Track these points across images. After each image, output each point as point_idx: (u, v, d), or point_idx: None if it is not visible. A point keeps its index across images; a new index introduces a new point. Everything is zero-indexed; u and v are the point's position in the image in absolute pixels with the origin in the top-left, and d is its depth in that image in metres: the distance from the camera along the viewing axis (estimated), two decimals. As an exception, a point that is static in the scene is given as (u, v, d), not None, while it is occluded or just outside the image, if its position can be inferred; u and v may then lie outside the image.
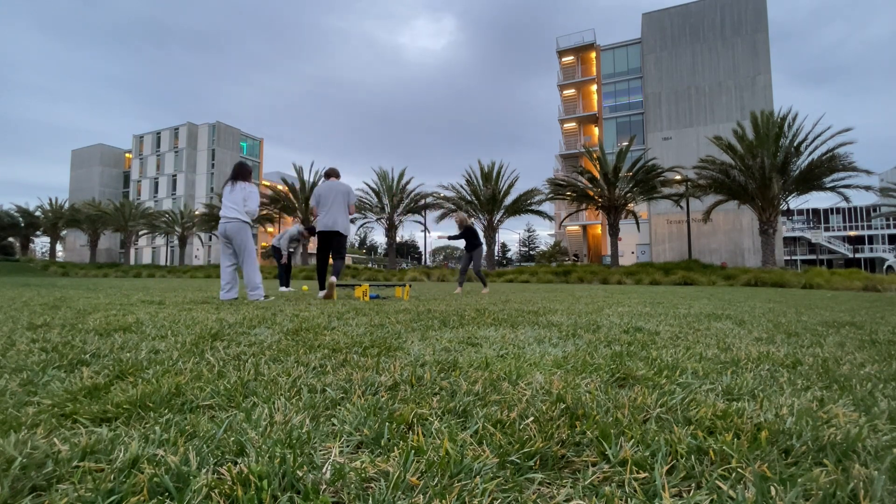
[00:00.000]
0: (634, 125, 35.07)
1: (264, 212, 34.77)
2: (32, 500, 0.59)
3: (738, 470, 0.67)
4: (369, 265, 45.58)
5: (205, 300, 4.39)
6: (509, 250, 78.06)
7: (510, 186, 27.56)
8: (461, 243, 8.85)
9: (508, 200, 27.79)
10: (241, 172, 5.04)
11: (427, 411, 0.93)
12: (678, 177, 23.88)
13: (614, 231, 23.74)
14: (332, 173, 5.46)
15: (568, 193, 25.07)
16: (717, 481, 0.64)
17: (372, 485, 0.63)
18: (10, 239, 46.35)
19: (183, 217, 39.05)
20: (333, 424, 0.86)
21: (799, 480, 0.63)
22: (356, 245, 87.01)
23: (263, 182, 53.35)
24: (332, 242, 5.22)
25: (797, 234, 51.15)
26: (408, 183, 30.54)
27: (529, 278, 18.70)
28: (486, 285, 8.08)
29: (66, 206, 42.43)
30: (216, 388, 1.07)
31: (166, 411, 0.92)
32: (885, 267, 21.95)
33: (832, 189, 19.71)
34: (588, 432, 0.80)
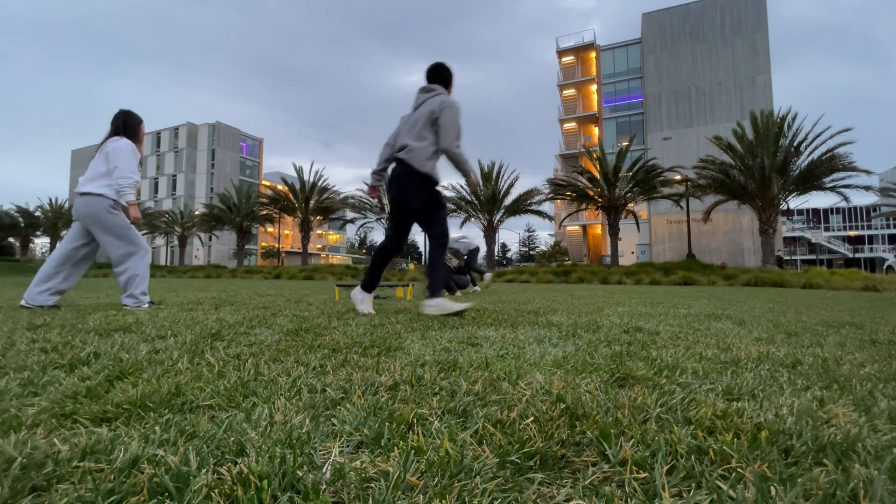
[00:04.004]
0: (634, 125, 35.08)
1: (264, 212, 34.75)
2: (32, 500, 0.59)
3: (738, 470, 0.67)
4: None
5: (204, 300, 4.40)
6: (509, 250, 78.12)
7: (510, 186, 27.56)
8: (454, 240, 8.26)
9: (508, 200, 27.80)
10: (117, 124, 3.27)
11: (427, 411, 0.93)
12: (678, 177, 23.88)
13: (614, 231, 23.74)
14: None
15: (568, 193, 25.07)
16: (717, 481, 0.64)
17: (372, 485, 0.63)
18: (10, 239, 46.34)
19: (183, 217, 39.06)
20: (333, 424, 0.86)
21: (799, 480, 0.63)
22: (356, 245, 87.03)
23: (263, 182, 53.41)
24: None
25: (797, 234, 51.14)
26: (408, 183, 30.51)
27: (529, 278, 18.70)
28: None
29: (66, 206, 42.42)
30: (216, 388, 1.07)
31: (166, 411, 0.92)
32: (885, 267, 21.94)
33: (832, 189, 19.72)
34: (588, 432, 0.80)
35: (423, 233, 3.38)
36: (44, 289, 3.18)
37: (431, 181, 3.03)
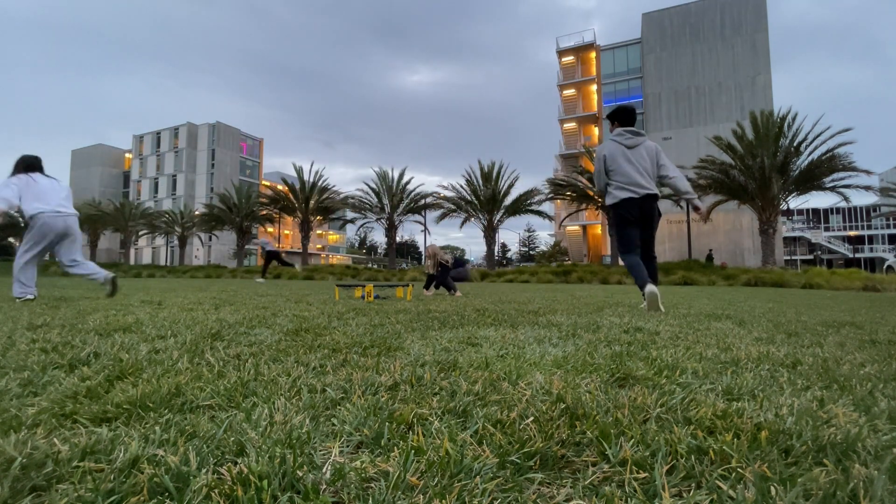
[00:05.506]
0: (634, 125, 34.97)
1: (264, 212, 34.78)
2: (32, 500, 0.59)
3: (738, 470, 0.67)
4: (369, 265, 45.59)
5: (204, 300, 4.39)
6: (509, 250, 78.16)
7: (510, 186, 27.54)
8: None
9: (508, 200, 27.76)
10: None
11: (427, 411, 0.93)
12: (678, 177, 23.80)
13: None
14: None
15: (568, 193, 25.08)
16: (717, 481, 0.64)
17: (372, 485, 0.63)
18: (11, 239, 46.33)
19: (183, 217, 39.04)
20: (333, 424, 0.86)
21: (799, 480, 0.63)
22: (356, 245, 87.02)
23: (263, 182, 53.43)
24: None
25: (797, 234, 51.15)
26: (408, 183, 30.54)
27: (529, 278, 18.70)
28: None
29: (66, 206, 42.28)
30: (216, 388, 1.07)
31: (166, 411, 0.92)
32: (885, 267, 21.95)
33: (832, 189, 19.72)
34: (588, 432, 0.80)
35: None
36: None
37: None
